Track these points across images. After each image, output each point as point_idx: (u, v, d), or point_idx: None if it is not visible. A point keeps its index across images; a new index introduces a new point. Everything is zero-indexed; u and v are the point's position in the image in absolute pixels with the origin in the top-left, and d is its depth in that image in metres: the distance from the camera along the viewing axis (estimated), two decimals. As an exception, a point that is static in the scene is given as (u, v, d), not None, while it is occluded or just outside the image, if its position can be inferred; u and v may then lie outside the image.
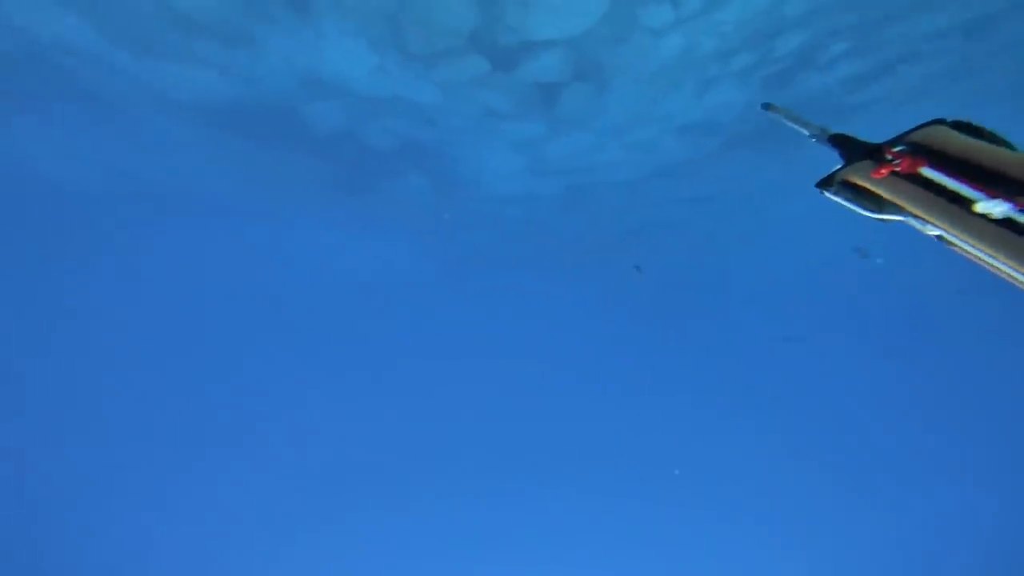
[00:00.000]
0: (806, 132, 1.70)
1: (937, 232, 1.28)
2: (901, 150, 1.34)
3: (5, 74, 11.11)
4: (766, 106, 1.83)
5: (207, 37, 9.64)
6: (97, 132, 14.12)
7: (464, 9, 9.15)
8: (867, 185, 1.41)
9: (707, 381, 43.48)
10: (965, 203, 1.18)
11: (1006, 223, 1.09)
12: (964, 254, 1.25)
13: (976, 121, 1.60)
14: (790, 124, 1.74)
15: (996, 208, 1.09)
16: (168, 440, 33.79)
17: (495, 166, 16.84)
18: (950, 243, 1.28)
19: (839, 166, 1.53)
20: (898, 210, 1.38)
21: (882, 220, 1.64)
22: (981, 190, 1.15)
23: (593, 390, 45.04)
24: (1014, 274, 1.12)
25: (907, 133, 1.39)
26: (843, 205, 1.57)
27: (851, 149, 1.52)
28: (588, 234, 23.50)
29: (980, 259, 1.19)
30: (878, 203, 1.42)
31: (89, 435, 31.84)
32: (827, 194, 1.52)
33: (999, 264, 1.13)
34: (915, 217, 1.31)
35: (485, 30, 10.07)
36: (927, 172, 1.28)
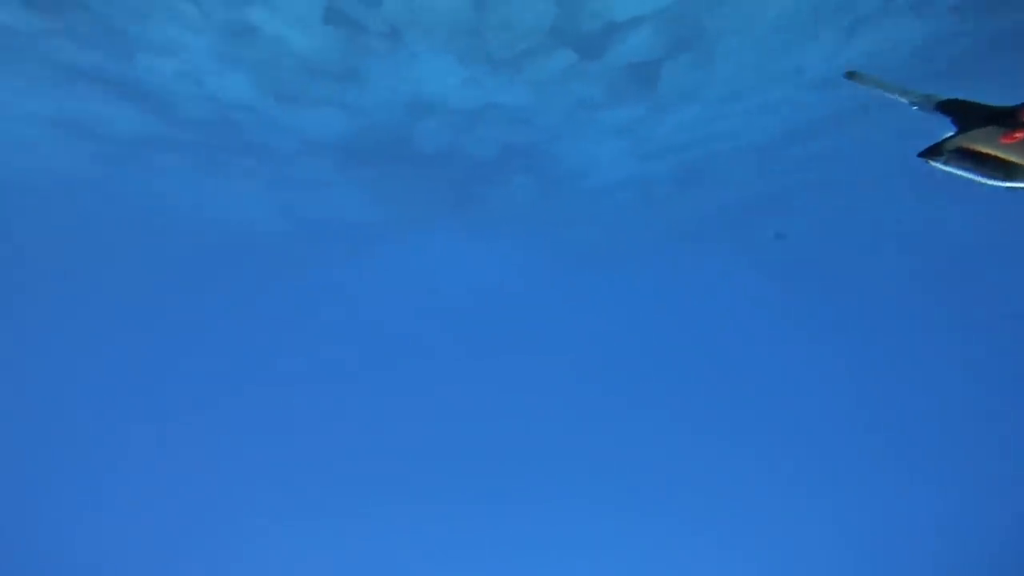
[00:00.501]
0: (905, 100, 1.56)
1: None
2: None
3: (204, 137, 13.54)
4: (850, 75, 1.71)
5: (324, 78, 10.76)
6: (263, 177, 16.62)
7: (541, 4, 9.01)
8: (994, 151, 1.30)
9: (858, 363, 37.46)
10: None
11: None
12: None
13: None
14: (884, 93, 1.62)
15: None
16: (352, 445, 37.86)
17: (598, 155, 16.39)
18: None
19: (949, 134, 1.41)
20: None
21: (1012, 187, 1.48)
22: None
23: (737, 383, 41.56)
24: None
25: None
26: (957, 174, 1.43)
27: (969, 115, 1.39)
28: (711, 208, 21.74)
29: None
30: (1005, 170, 1.30)
31: (290, 447, 37.05)
32: (936, 164, 1.42)
33: None
34: None
35: (566, 21, 9.81)
36: None
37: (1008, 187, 1.37)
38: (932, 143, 1.85)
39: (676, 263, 29.35)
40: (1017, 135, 1.24)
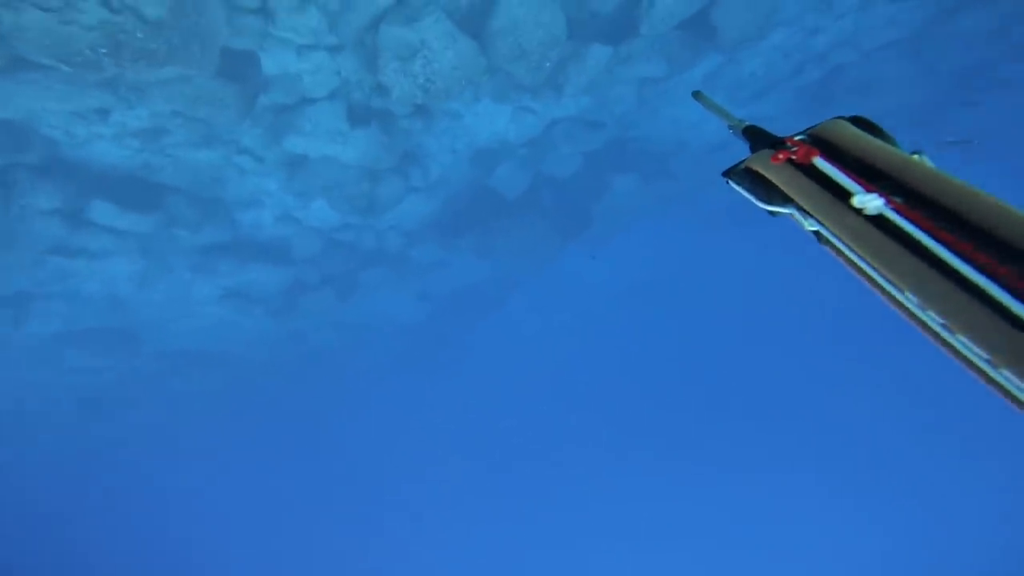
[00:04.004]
0: (726, 123, 1.76)
1: (815, 227, 1.27)
2: (801, 139, 1.36)
3: (328, 265, 15.40)
4: (695, 95, 1.96)
5: (387, 175, 11.31)
6: (389, 280, 18.21)
7: (546, 16, 8.23)
8: (764, 173, 1.37)
9: None
10: (845, 197, 1.17)
11: (877, 220, 1.10)
12: (836, 255, 1.25)
13: (874, 119, 1.34)
14: (713, 113, 1.83)
15: (871, 203, 1.10)
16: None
17: (690, 120, 14.42)
18: (825, 241, 1.26)
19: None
20: (786, 201, 1.33)
21: (771, 212, 1.41)
22: (861, 184, 1.17)
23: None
24: (874, 275, 1.12)
25: (812, 126, 1.39)
26: (741, 194, 1.48)
27: (760, 140, 1.53)
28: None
29: (849, 260, 1.19)
30: (771, 194, 1.37)
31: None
32: (730, 183, 1.50)
33: (862, 264, 1.14)
34: (799, 209, 1.29)
35: (581, 19, 8.83)
36: (819, 163, 1.26)
37: (768, 211, 1.40)
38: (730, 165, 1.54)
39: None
40: (780, 156, 1.33)
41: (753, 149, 1.52)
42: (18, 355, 13.10)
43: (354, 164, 9.94)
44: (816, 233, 1.31)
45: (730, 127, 1.72)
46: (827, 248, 1.28)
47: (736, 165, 1.47)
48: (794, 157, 1.31)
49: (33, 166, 8.16)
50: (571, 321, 37.24)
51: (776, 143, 1.41)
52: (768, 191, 1.36)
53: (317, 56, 7.54)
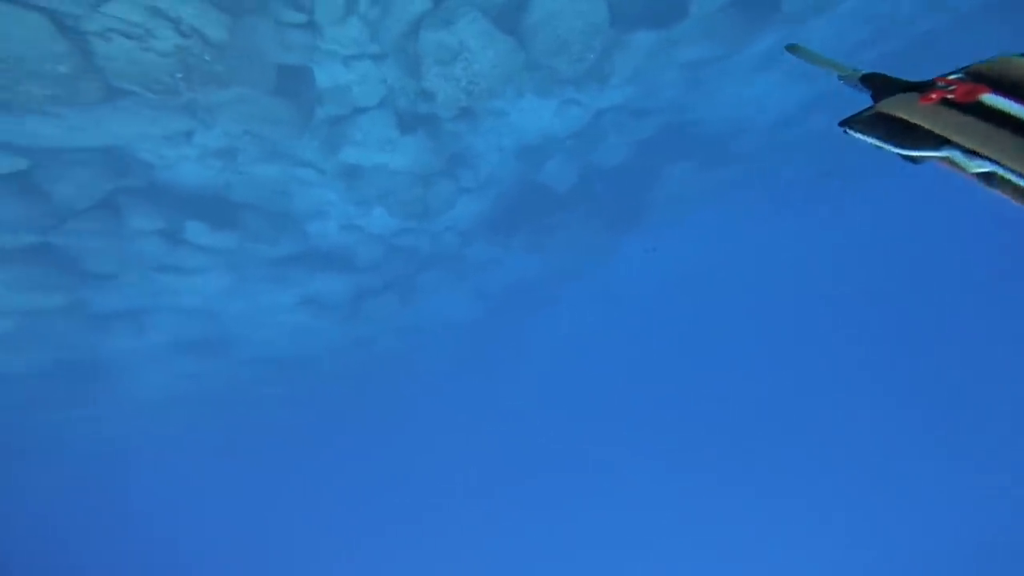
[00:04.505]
0: (836, 73, 1.66)
1: (989, 168, 1.14)
2: (958, 77, 1.28)
3: (390, 272, 16.12)
4: (790, 48, 1.87)
5: (438, 177, 11.62)
6: (448, 283, 18.74)
7: (585, 5, 8.14)
8: (907, 117, 1.26)
9: None
10: None
11: None
12: (1011, 195, 1.13)
13: None
14: (815, 65, 1.74)
15: None
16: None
17: (751, 99, 13.68)
18: (998, 181, 1.14)
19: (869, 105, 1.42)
20: (940, 144, 1.18)
21: (917, 158, 1.23)
22: None
23: None
24: None
25: (966, 66, 1.29)
26: (871, 144, 1.32)
27: (890, 85, 1.43)
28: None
29: None
30: (916, 138, 1.22)
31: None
32: (852, 133, 1.36)
33: None
34: (965, 151, 1.16)
35: (625, 2, 8.64)
36: (990, 99, 1.18)
37: (914, 157, 1.24)
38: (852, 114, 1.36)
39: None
40: (932, 96, 1.26)
41: (876, 96, 1.45)
42: (144, 362, 14.65)
43: (405, 170, 10.29)
44: (984, 175, 1.20)
45: (841, 78, 1.65)
46: (997, 190, 1.18)
47: (859, 114, 1.39)
48: (951, 96, 1.24)
49: (135, 190, 9.09)
50: (629, 315, 36.44)
51: (919, 86, 1.36)
52: (912, 136, 1.28)
53: (363, 66, 7.89)
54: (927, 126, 1.23)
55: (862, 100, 1.44)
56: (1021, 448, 28.20)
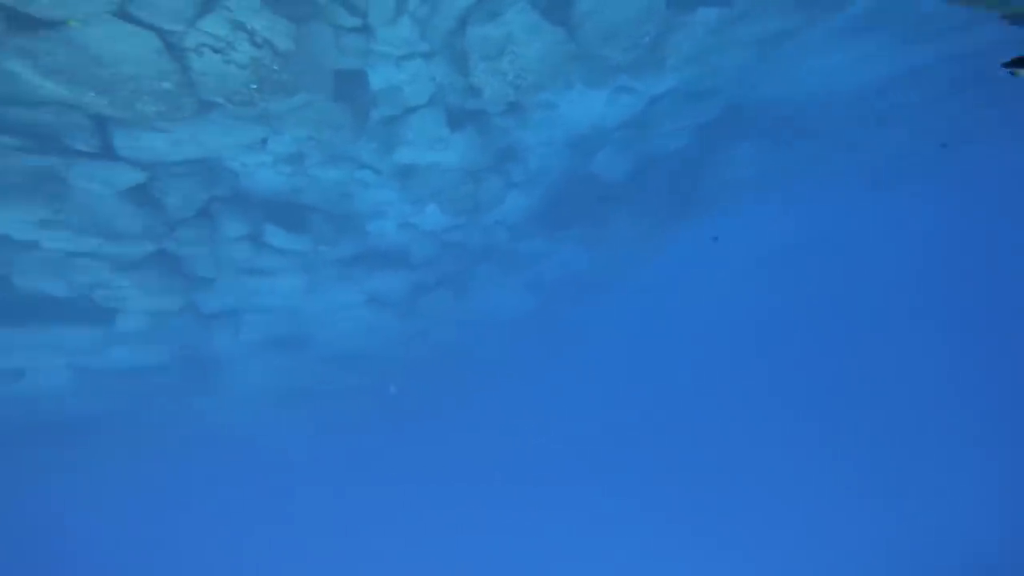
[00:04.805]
0: (999, 13, 1.80)
1: None
2: None
3: (446, 266, 16.51)
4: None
5: (489, 173, 11.71)
6: (496, 277, 18.93)
7: (634, -14, 7.89)
8: None
9: None
10: None
11: None
12: None
13: None
14: (975, 7, 1.76)
15: None
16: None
17: (830, 67, 12.76)
18: None
19: None
20: None
21: None
22: None
23: None
24: None
25: None
26: None
27: None
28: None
29: None
30: None
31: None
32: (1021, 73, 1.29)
33: None
34: None
35: (675, -21, 8.30)
36: None
37: None
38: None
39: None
40: None
41: None
42: (243, 358, 15.86)
43: (455, 167, 10.43)
44: None
45: (1004, 16, 1.53)
46: None
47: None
48: None
49: (225, 198, 9.79)
50: (689, 305, 35.18)
51: None
52: None
53: (413, 65, 8.06)
54: None
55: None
56: None
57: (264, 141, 8.93)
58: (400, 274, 14.11)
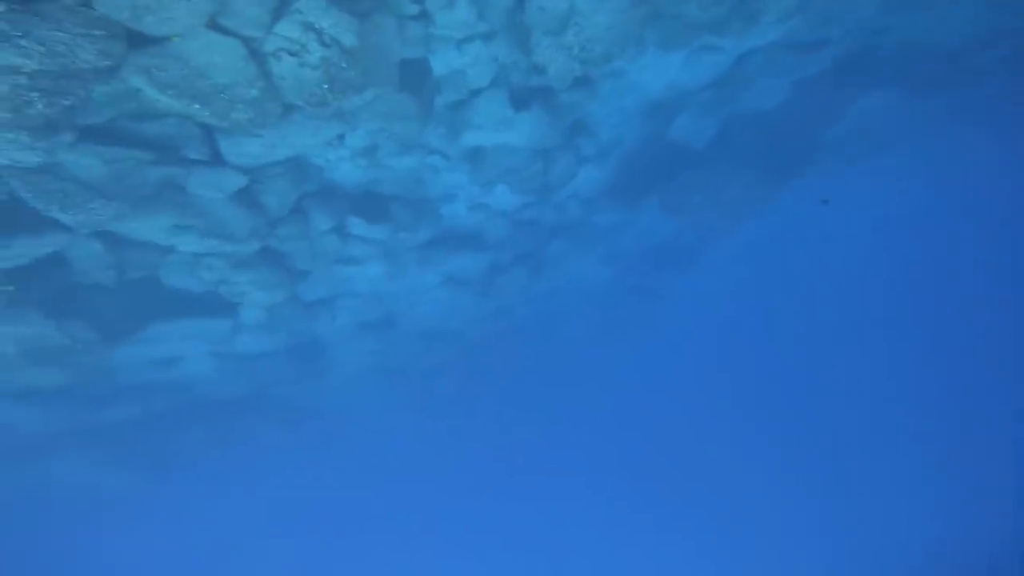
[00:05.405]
0: None
1: None
2: None
3: (517, 247, 16.54)
4: None
5: (559, 151, 11.31)
6: (578, 250, 18.54)
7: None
8: None
9: None
10: None
11: None
12: None
13: None
14: None
15: None
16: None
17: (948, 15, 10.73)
18: None
19: None
20: None
21: None
22: None
23: None
24: None
25: None
26: None
27: None
28: None
29: None
30: None
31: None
32: None
33: None
34: None
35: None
36: None
37: None
38: None
39: None
40: None
41: None
42: (342, 343, 17.29)
43: (523, 147, 10.16)
44: None
45: None
46: None
47: None
48: None
49: (313, 193, 10.42)
50: (791, 276, 32.29)
51: None
52: None
53: (474, 47, 7.82)
54: None
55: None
56: None
57: (341, 137, 9.24)
58: (476, 255, 14.27)
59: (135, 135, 7.53)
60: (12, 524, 20.02)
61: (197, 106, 7.35)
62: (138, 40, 6.37)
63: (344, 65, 7.81)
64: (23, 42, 5.84)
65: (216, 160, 8.52)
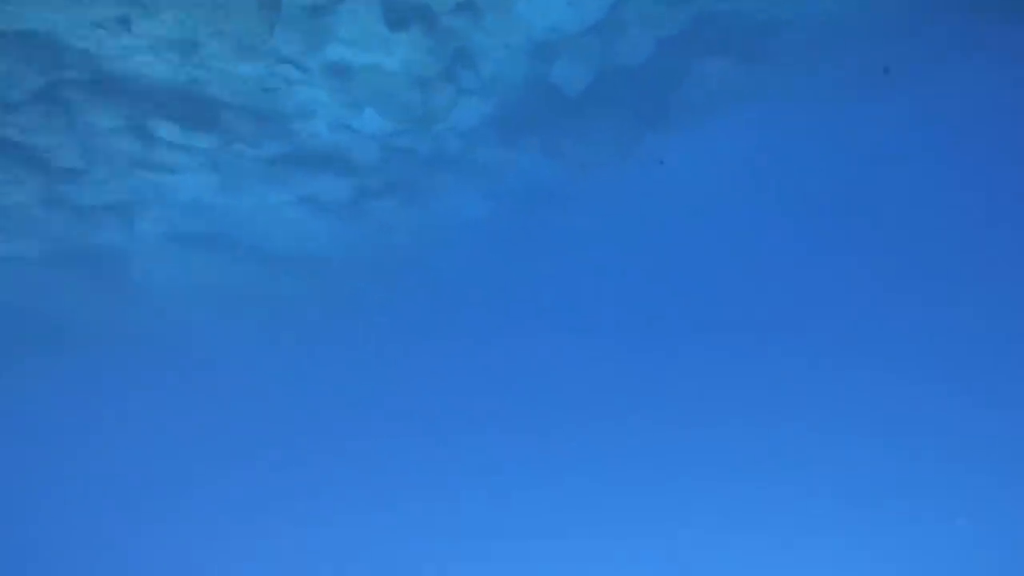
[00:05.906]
0: None
1: None
2: None
3: (387, 173, 15.60)
4: None
5: (437, 80, 10.65)
6: (458, 185, 18.08)
7: None
8: None
9: None
10: None
11: None
12: None
13: None
14: None
15: None
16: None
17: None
18: None
19: None
20: None
21: None
22: None
23: None
24: None
25: None
26: None
27: None
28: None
29: None
30: None
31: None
32: None
33: None
34: None
35: None
36: None
37: None
38: None
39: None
40: None
41: None
42: (150, 252, 15.10)
43: (399, 71, 9.41)
44: None
45: None
46: None
47: None
48: None
49: (80, 82, 8.53)
50: (659, 221, 35.06)
51: None
52: None
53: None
54: None
55: None
56: None
57: (124, 21, 7.57)
58: (339, 178, 13.34)
59: None
60: None
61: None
62: None
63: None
64: None
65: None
